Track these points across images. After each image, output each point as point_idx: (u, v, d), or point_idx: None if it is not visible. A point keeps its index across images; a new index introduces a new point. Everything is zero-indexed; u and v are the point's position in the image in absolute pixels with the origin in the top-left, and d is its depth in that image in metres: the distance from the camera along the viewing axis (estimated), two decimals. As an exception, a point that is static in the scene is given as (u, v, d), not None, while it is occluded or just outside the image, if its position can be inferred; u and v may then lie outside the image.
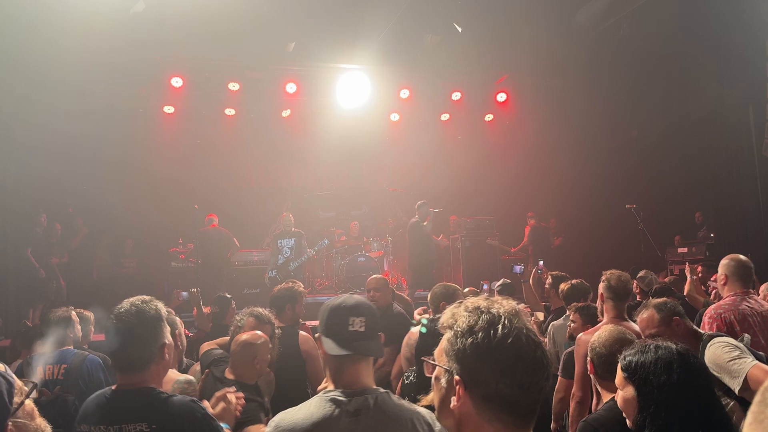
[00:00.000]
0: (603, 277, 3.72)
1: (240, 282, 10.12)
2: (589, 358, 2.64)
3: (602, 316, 3.73)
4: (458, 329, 1.24)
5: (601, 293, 3.74)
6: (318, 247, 10.01)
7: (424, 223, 9.76)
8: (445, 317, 1.30)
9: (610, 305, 3.67)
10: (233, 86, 10.80)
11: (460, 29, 9.33)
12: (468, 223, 11.27)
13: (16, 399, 1.52)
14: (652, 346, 2.03)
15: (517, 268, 7.12)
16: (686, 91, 9.97)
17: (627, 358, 2.06)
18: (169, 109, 11.03)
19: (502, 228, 11.52)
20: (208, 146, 11.65)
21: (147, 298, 2.27)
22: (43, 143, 9.02)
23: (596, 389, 2.76)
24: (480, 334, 1.20)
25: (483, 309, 1.25)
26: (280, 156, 12.32)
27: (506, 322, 1.21)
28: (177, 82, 10.40)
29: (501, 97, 12.19)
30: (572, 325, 4.07)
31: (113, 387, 2.22)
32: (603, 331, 2.66)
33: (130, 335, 2.16)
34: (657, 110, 10.78)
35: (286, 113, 11.68)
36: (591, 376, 2.66)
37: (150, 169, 10.87)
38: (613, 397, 2.36)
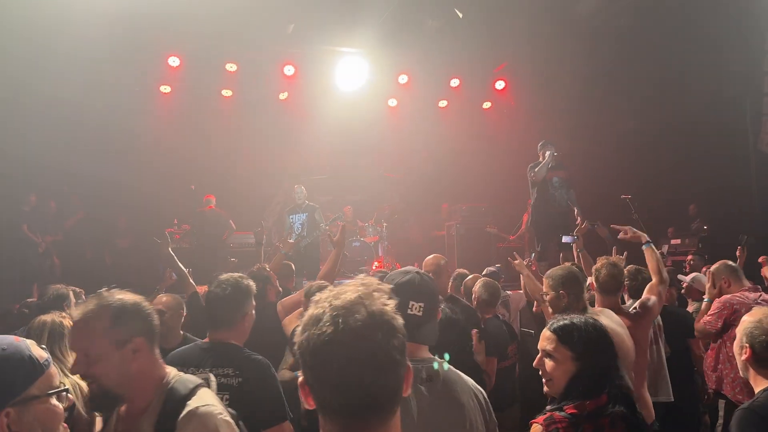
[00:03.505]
0: (593, 268, 3.69)
1: (236, 264, 10.06)
2: (748, 344, 2.46)
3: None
4: None
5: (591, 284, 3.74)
6: (331, 222, 9.15)
7: (543, 165, 7.99)
8: None
9: (599, 299, 3.64)
10: (231, 67, 10.73)
11: (461, 15, 9.27)
12: (463, 210, 11.25)
13: (35, 391, 1.54)
14: (576, 316, 2.28)
15: (568, 239, 6.47)
16: (684, 83, 9.93)
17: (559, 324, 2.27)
18: (165, 89, 10.95)
19: (497, 216, 11.49)
20: (204, 127, 11.56)
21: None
22: (39, 121, 8.95)
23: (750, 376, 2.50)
24: None
25: None
26: (276, 139, 12.25)
27: None
28: (174, 61, 10.32)
29: (499, 84, 12.17)
30: None
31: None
32: (764, 317, 2.47)
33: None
34: (654, 102, 10.74)
35: (283, 96, 11.61)
36: (746, 362, 2.46)
37: (145, 149, 10.79)
38: None
